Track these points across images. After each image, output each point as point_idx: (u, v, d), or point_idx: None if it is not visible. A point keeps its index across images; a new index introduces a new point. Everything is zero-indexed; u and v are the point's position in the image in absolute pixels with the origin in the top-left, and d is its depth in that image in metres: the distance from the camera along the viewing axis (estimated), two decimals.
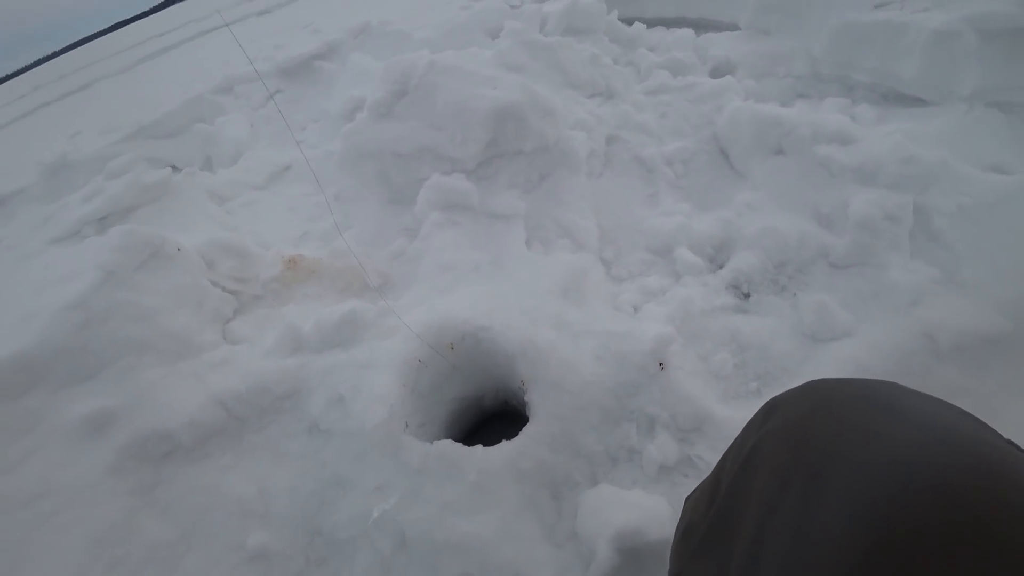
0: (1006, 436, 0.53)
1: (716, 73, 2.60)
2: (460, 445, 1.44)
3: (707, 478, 0.81)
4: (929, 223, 1.84)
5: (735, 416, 1.55)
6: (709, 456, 1.50)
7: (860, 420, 0.56)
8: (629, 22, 2.83)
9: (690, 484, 1.49)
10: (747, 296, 1.94)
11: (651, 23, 2.96)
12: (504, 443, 1.47)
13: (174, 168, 2.49)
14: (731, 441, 1.62)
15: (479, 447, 1.45)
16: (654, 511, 1.34)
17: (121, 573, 1.38)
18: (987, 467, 0.47)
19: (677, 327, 1.79)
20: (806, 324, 1.78)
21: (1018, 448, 0.52)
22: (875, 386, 0.61)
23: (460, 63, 2.13)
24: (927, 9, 2.07)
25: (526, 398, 1.59)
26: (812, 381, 0.68)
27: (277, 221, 2.36)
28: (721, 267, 2.02)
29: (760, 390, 1.73)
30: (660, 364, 1.58)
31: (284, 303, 1.99)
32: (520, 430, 1.54)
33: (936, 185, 1.86)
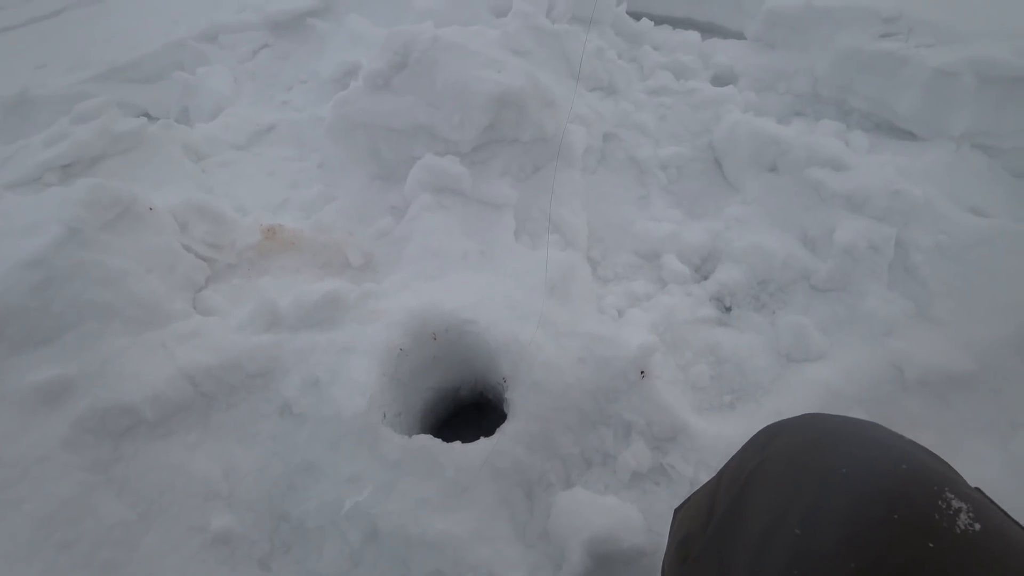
0: (960, 472, 0.62)
1: (718, 81, 2.59)
2: (439, 441, 1.43)
3: (699, 494, 0.85)
4: (908, 257, 1.90)
5: (708, 428, 1.59)
6: (681, 466, 1.53)
7: (857, 455, 0.62)
8: (637, 17, 2.78)
9: (660, 493, 1.52)
10: (728, 310, 1.97)
11: (658, 20, 2.91)
12: (482, 440, 1.47)
13: (148, 117, 2.33)
14: (705, 453, 1.65)
15: (458, 443, 1.44)
16: (628, 518, 1.37)
17: (73, 554, 1.32)
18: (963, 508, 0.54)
19: (660, 335, 1.81)
20: (782, 343, 1.82)
21: (982, 494, 0.59)
22: (868, 426, 0.69)
23: (465, 41, 2.05)
24: (931, 45, 2.10)
25: (506, 395, 1.59)
26: (811, 414, 0.76)
27: (257, 185, 2.26)
28: (706, 278, 2.04)
29: (734, 404, 1.77)
30: (641, 372, 1.59)
31: (260, 275, 1.91)
32: (495, 423, 1.54)
33: (919, 221, 1.91)
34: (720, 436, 1.57)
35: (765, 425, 0.77)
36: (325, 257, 1.93)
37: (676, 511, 0.94)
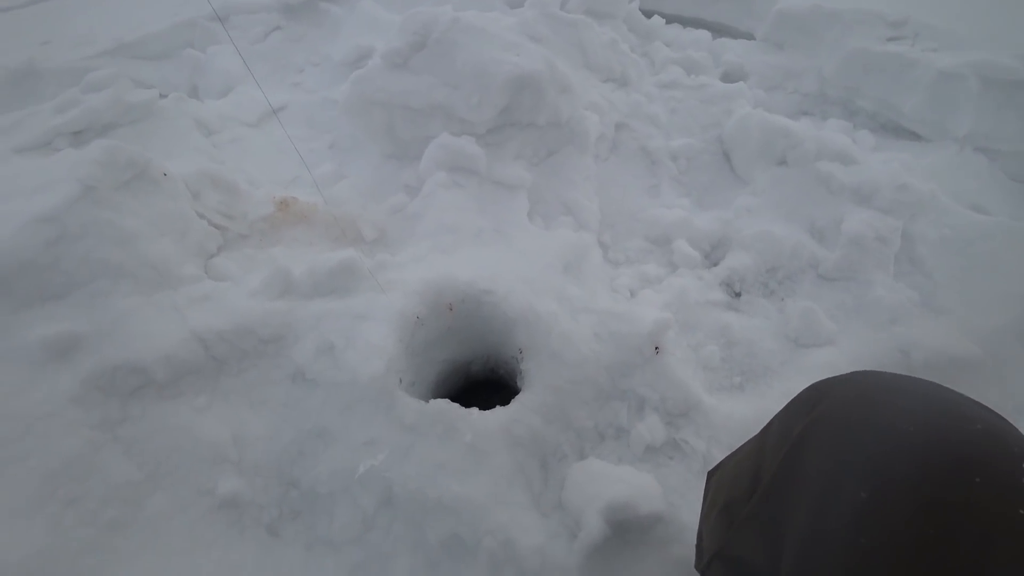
0: None
1: (728, 78, 2.64)
2: (457, 406, 1.42)
3: (739, 456, 0.82)
4: (913, 249, 1.94)
5: (720, 407, 1.60)
6: (694, 441, 1.53)
7: (919, 411, 0.59)
8: (648, 14, 2.84)
9: (674, 467, 1.52)
10: (738, 295, 1.99)
11: (669, 19, 2.98)
12: (499, 408, 1.46)
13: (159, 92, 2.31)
14: (718, 431, 1.63)
15: (475, 409, 1.44)
16: (644, 487, 1.36)
17: (79, 511, 1.29)
18: (1006, 446, 0.53)
19: (673, 315, 1.82)
20: (791, 328, 1.84)
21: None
22: (923, 382, 0.66)
23: (484, 24, 2.07)
24: (936, 49, 2.17)
25: (522, 366, 1.59)
26: (858, 371, 0.72)
27: (267, 162, 2.24)
28: (716, 264, 2.06)
29: (743, 385, 1.78)
30: (656, 348, 1.60)
31: (272, 245, 1.90)
32: (505, 401, 1.53)
33: (924, 215, 1.96)
34: (731, 415, 1.58)
35: (793, 397, 0.72)
36: (338, 230, 1.92)
37: (710, 474, 0.92)
